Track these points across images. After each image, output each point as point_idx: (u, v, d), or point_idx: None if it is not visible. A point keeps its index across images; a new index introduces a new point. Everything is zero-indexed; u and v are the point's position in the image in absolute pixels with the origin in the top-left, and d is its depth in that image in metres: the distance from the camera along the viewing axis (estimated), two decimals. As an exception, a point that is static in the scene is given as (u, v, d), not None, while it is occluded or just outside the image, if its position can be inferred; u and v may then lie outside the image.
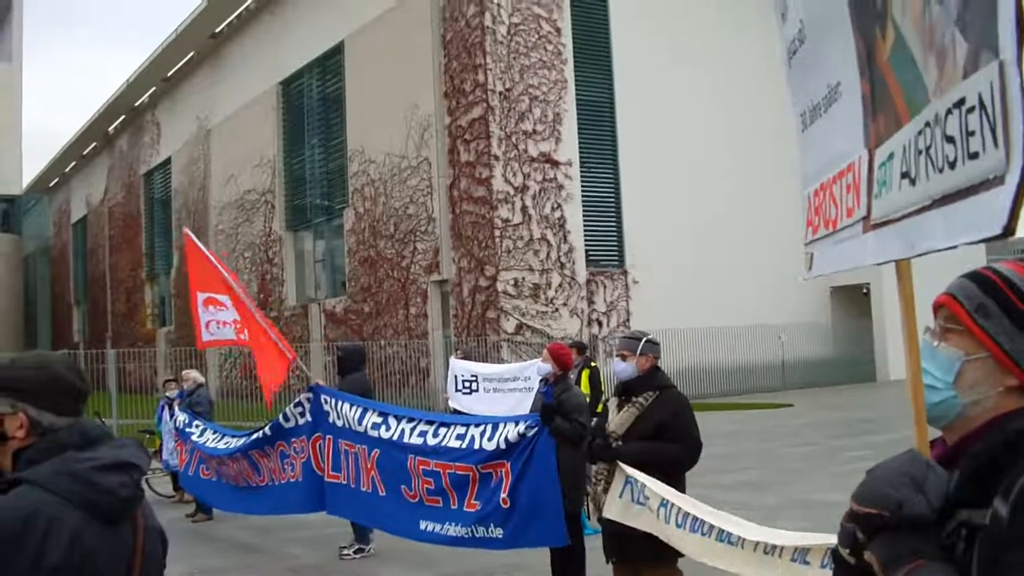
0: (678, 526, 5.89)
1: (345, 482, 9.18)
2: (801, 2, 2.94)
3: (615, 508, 6.43)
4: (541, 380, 9.04)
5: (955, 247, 1.95)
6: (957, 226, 1.91)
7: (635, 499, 6.28)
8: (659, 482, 6.20)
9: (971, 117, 1.85)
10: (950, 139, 1.94)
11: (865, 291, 32.97)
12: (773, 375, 31.83)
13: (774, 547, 5.08)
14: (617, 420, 6.70)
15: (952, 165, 1.93)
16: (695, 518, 5.74)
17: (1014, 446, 2.00)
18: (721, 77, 30.88)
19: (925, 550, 2.00)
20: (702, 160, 30.55)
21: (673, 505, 5.99)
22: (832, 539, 4.56)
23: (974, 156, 1.84)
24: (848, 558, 2.19)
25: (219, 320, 10.33)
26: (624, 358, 6.79)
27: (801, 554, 4.93)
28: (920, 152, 2.08)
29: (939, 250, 2.04)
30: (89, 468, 2.65)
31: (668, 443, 6.49)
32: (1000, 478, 1.95)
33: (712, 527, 5.63)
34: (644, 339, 6.85)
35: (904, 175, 2.17)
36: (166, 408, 16.29)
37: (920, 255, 2.13)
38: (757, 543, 5.17)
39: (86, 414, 2.94)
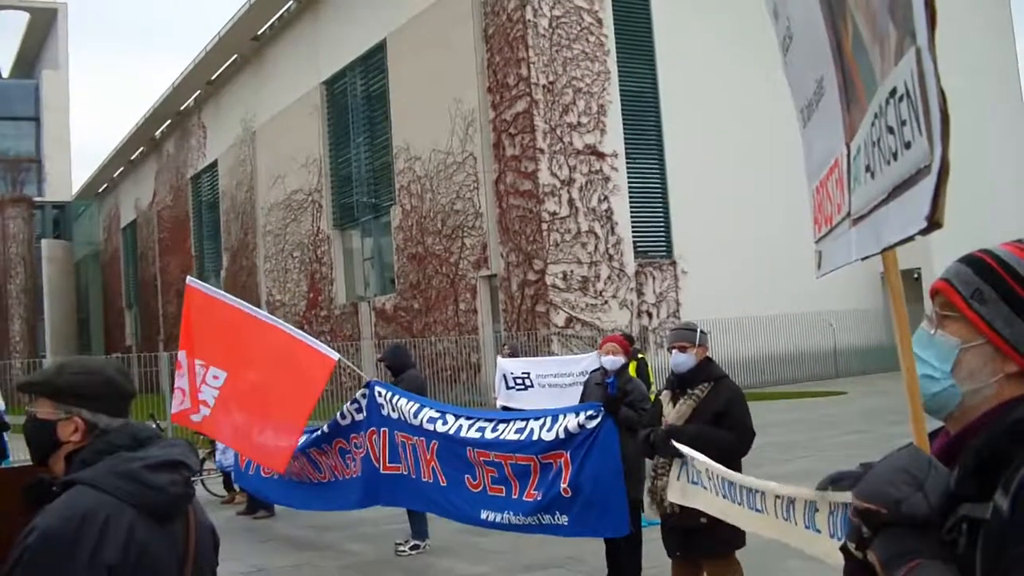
0: (724, 497, 5.91)
1: (405, 472, 9.24)
2: None
3: (675, 491, 6.44)
4: (598, 371, 9.01)
5: (911, 239, 1.92)
6: (907, 218, 1.88)
7: (690, 479, 6.29)
8: (701, 456, 6.21)
9: (902, 106, 1.84)
10: (891, 129, 1.92)
11: (916, 276, 32.63)
12: (825, 363, 31.61)
13: (789, 512, 5.10)
14: (675, 413, 6.71)
15: (895, 156, 1.91)
16: (735, 486, 5.77)
17: (1015, 437, 1.96)
18: (766, 63, 30.46)
19: (924, 549, 1.96)
20: (748, 147, 30.32)
21: (717, 475, 6.01)
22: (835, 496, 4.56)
23: (908, 146, 1.82)
24: (855, 553, 2.18)
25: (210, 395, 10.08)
26: (684, 350, 6.79)
27: (811, 521, 4.94)
28: (874, 144, 2.06)
29: (897, 244, 2.01)
30: (140, 467, 2.73)
31: (723, 431, 6.53)
32: (1001, 471, 1.92)
33: (743, 494, 5.66)
34: (699, 330, 6.87)
35: (867, 168, 2.15)
36: None
37: (887, 249, 2.10)
38: (776, 509, 5.15)
39: (141, 416, 2.99)
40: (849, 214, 2.40)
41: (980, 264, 2.07)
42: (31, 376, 2.98)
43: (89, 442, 2.82)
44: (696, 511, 6.29)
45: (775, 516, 5.16)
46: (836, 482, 2.53)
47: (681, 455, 6.34)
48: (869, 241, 2.21)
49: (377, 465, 9.56)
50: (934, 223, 1.72)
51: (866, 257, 2.29)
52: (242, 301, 10.42)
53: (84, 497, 2.64)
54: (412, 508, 10.42)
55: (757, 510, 5.32)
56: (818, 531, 4.81)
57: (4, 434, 16.07)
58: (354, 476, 9.92)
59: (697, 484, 6.23)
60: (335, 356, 9.94)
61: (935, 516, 2.00)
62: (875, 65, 2.04)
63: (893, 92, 1.88)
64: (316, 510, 11.93)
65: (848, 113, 2.37)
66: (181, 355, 10.29)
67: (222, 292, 10.57)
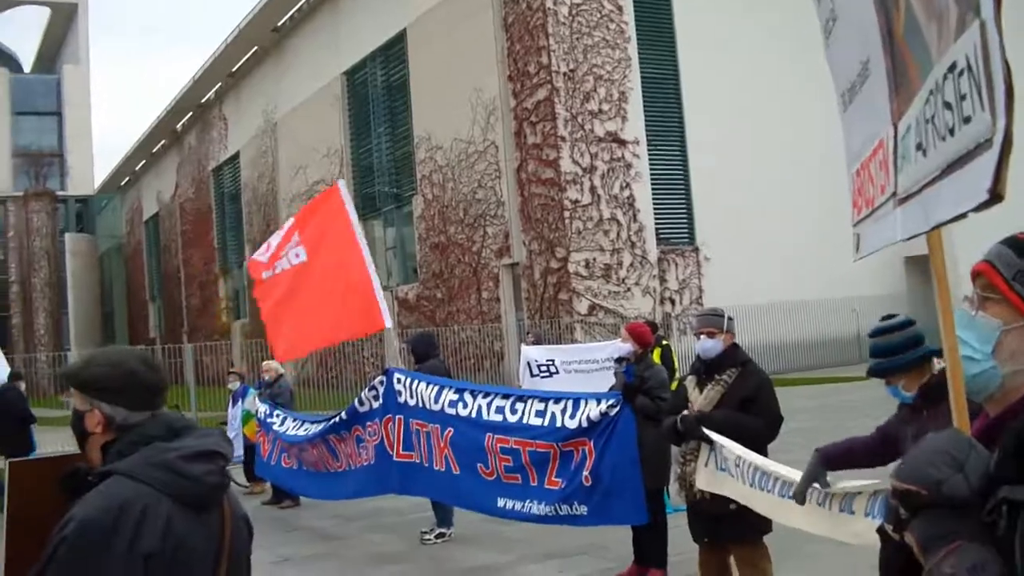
0: (751, 485, 5.92)
1: (418, 460, 9.30)
2: None
3: (703, 477, 6.47)
4: (618, 360, 9.01)
5: (964, 216, 1.90)
6: (961, 194, 1.87)
7: (718, 465, 6.34)
8: (733, 442, 6.21)
9: (962, 81, 1.82)
10: (948, 105, 1.91)
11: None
12: (849, 348, 31.44)
13: (825, 497, 5.10)
14: (702, 399, 6.73)
15: (952, 132, 1.90)
16: (764, 474, 5.77)
17: None
18: (788, 48, 30.45)
19: (964, 531, 1.95)
20: (770, 133, 30.23)
21: (746, 462, 6.02)
22: (879, 484, 4.57)
23: (967, 120, 1.81)
24: (893, 535, 2.16)
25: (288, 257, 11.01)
26: (712, 335, 6.80)
27: (847, 505, 4.95)
28: (927, 121, 2.05)
29: (949, 221, 1.99)
30: (176, 458, 2.76)
31: (751, 417, 6.54)
32: None
33: (775, 483, 5.67)
34: (726, 315, 6.88)
35: (918, 146, 2.14)
36: (231, 400, 16.82)
37: (936, 227, 2.08)
38: (810, 497, 5.18)
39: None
40: (895, 194, 2.39)
41: (1022, 246, 2.04)
42: (66, 367, 3.09)
43: (114, 435, 2.85)
44: (726, 497, 6.30)
45: (808, 502, 5.17)
46: None
47: (711, 441, 6.36)
48: (917, 220, 2.20)
49: (391, 453, 9.63)
50: (996, 195, 1.71)
51: (911, 237, 2.28)
52: (360, 232, 10.95)
53: (121, 487, 2.67)
54: (425, 496, 10.47)
55: (790, 497, 5.33)
56: (852, 512, 4.81)
57: (31, 427, 16.21)
58: (367, 464, 10.03)
59: (725, 471, 6.26)
60: (388, 324, 10.35)
61: (975, 498, 1.98)
62: (931, 43, 2.03)
63: (952, 67, 1.86)
64: (332, 499, 12.13)
65: (896, 94, 2.36)
66: (290, 220, 11.38)
67: (354, 214, 11.06)
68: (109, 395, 2.86)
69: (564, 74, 27.97)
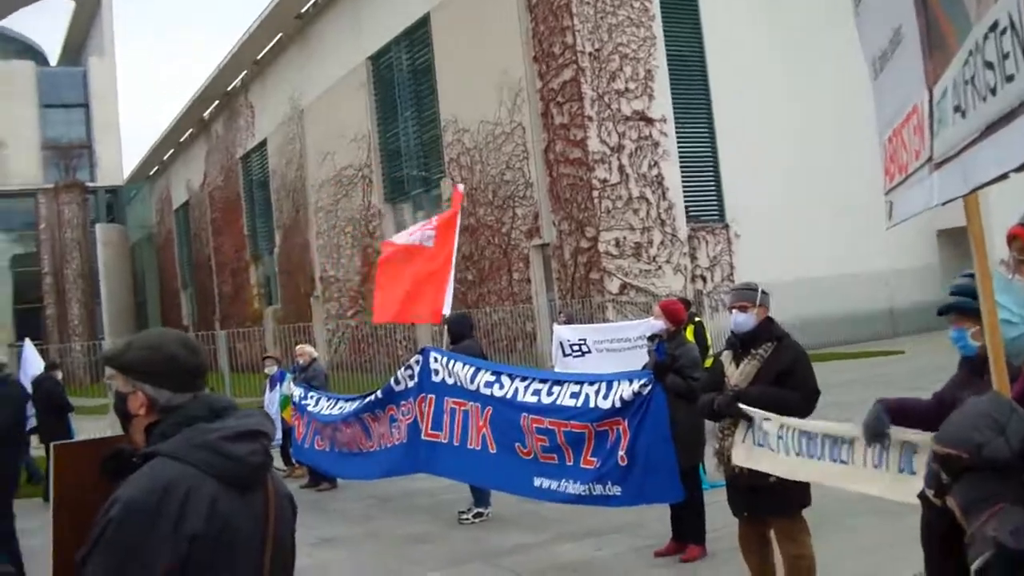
0: (797, 454, 5.90)
1: (446, 441, 9.40)
2: None
3: (740, 453, 6.48)
4: (650, 338, 9.03)
5: (1006, 177, 1.89)
6: (1004, 154, 1.86)
7: (756, 441, 6.34)
8: (773, 414, 6.22)
9: (1004, 39, 1.82)
10: (989, 65, 1.90)
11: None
12: (882, 322, 31.33)
13: (881, 459, 5.07)
14: (739, 374, 6.74)
15: (993, 91, 1.89)
16: (810, 440, 5.74)
17: None
18: (816, 18, 30.25)
19: (1006, 493, 1.95)
20: (798, 107, 30.05)
21: (790, 432, 6.00)
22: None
23: (1010, 79, 1.81)
24: (934, 500, 2.16)
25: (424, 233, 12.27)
26: (744, 309, 6.80)
27: (908, 463, 4.91)
28: (967, 82, 2.04)
29: (990, 182, 1.99)
30: (219, 438, 2.78)
31: (788, 391, 6.52)
32: None
33: (824, 448, 5.64)
34: (760, 290, 6.88)
35: (956, 109, 2.13)
36: (267, 385, 16.90)
37: (976, 189, 2.07)
38: (866, 457, 5.17)
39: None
40: (931, 159, 2.39)
41: None
42: (107, 350, 3.13)
43: (159, 416, 2.88)
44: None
45: (862, 465, 5.14)
46: None
47: (749, 418, 6.37)
48: (955, 183, 2.20)
49: (421, 432, 9.72)
50: None
51: (948, 201, 2.28)
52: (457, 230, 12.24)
53: (165, 468, 2.69)
54: (448, 477, 10.54)
55: (842, 461, 5.30)
56: (913, 472, 4.79)
57: (69, 415, 16.35)
58: (400, 443, 10.12)
59: (763, 446, 6.27)
60: (445, 313, 11.50)
61: (1017, 460, 1.98)
62: (969, 5, 2.03)
63: (994, 26, 1.87)
64: (365, 479, 12.27)
65: (930, 58, 2.36)
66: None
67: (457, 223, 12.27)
68: (151, 377, 2.89)
69: (589, 54, 27.86)
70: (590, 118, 27.51)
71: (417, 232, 12.38)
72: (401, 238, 12.81)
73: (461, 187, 13.07)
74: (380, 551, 10.85)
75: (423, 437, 9.68)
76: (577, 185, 27.76)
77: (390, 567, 10.22)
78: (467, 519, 11.43)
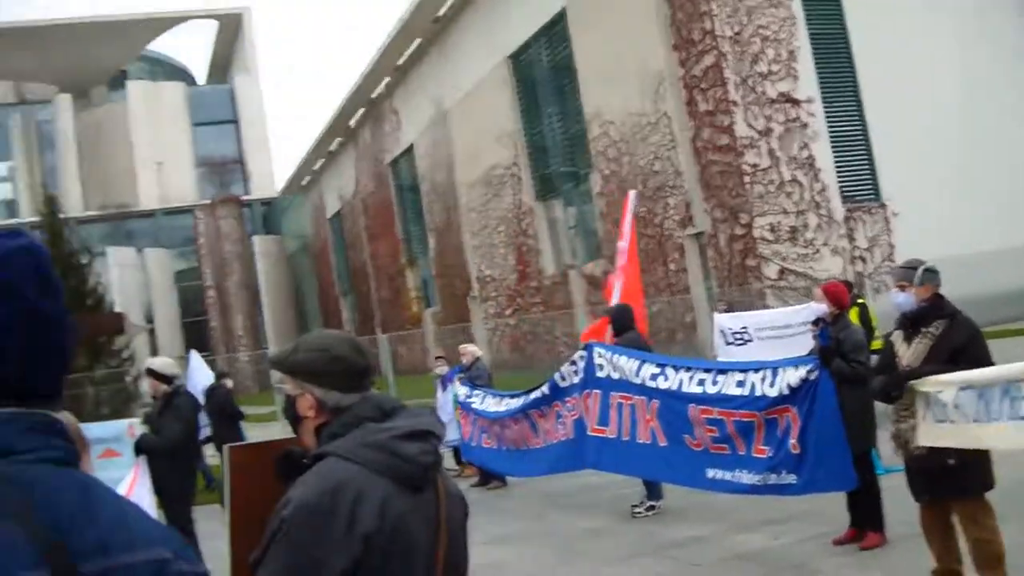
0: (975, 421, 5.81)
1: (614, 436, 9.38)
2: None
3: (923, 432, 6.40)
4: (814, 322, 9.03)
5: None
6: None
7: (936, 418, 6.24)
8: (950, 375, 6.17)
9: None
10: None
11: None
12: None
13: None
14: (911, 353, 6.71)
15: None
16: (989, 401, 5.65)
17: None
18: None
19: None
20: (952, 78, 29.21)
21: (966, 395, 5.92)
22: None
23: None
24: None
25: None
26: (903, 288, 6.78)
27: None
28: None
29: None
30: (389, 438, 2.79)
31: (962, 368, 6.39)
32: None
33: (1003, 407, 5.53)
34: (922, 268, 6.83)
35: None
36: (438, 385, 17.04)
37: None
38: None
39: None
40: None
41: None
42: (274, 354, 3.18)
43: (328, 418, 2.92)
44: (945, 450, 6.27)
45: None
46: None
47: (925, 396, 6.34)
48: None
49: (587, 427, 9.72)
50: None
51: None
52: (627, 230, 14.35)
53: (336, 468, 2.73)
54: (617, 472, 10.56)
55: (1021, 418, 5.20)
56: None
57: (240, 423, 16.92)
58: (566, 439, 10.14)
59: (943, 421, 6.18)
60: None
61: None
62: None
63: None
64: (532, 476, 12.33)
65: None
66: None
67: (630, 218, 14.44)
68: (319, 378, 2.92)
69: (730, 38, 27.54)
70: (735, 103, 27.24)
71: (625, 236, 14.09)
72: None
73: (633, 193, 13.70)
74: (554, 547, 10.91)
75: (590, 433, 9.69)
76: (727, 172, 27.52)
77: (565, 563, 10.26)
78: (640, 512, 11.44)
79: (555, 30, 36.10)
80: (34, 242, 1.79)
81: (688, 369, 8.90)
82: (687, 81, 28.78)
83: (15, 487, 1.62)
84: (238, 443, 4.75)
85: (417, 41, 46.55)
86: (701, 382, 8.60)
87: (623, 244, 14.15)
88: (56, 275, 1.80)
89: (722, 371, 8.68)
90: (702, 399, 8.51)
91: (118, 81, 76.07)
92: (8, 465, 1.65)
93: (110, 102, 75.32)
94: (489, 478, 14.94)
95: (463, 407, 12.77)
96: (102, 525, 1.66)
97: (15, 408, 1.70)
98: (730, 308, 16.95)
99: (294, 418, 3.01)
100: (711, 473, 8.53)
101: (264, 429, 20.48)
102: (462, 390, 13.08)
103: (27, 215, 61.65)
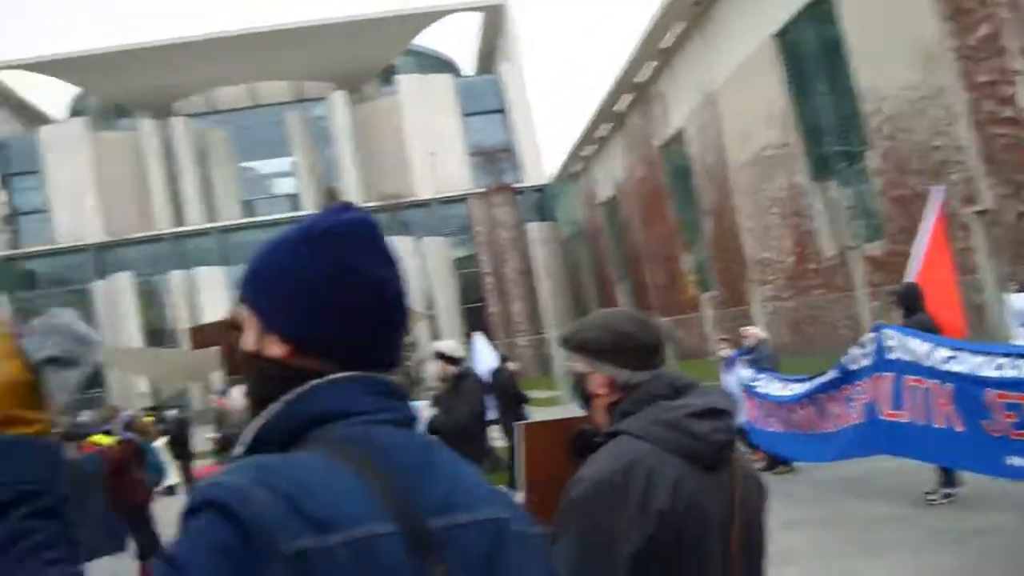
0: None
1: (909, 420, 9.00)
2: None
3: None
4: None
5: None
6: None
7: None
8: None
9: None
10: None
11: None
12: None
13: None
14: None
15: None
16: None
17: None
18: None
19: None
20: None
21: None
22: None
23: None
24: None
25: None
26: None
27: None
28: None
29: None
30: (682, 416, 2.76)
31: None
32: None
33: None
34: None
35: None
36: (723, 368, 16.76)
37: None
38: None
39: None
40: None
41: None
42: (563, 332, 3.13)
43: (620, 395, 2.91)
44: None
45: None
46: None
47: None
48: None
49: (879, 411, 9.41)
50: None
51: None
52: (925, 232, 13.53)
53: (629, 446, 2.72)
54: (914, 458, 9.98)
55: None
56: None
57: (524, 406, 17.06)
58: (857, 423, 9.83)
59: None
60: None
61: None
62: None
63: None
64: (819, 461, 11.93)
65: None
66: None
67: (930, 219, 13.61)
68: (609, 355, 2.91)
69: (1007, 4, 26.31)
70: (1018, 72, 26.14)
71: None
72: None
73: (941, 191, 13.96)
74: (843, 534, 10.71)
75: (882, 417, 9.38)
76: (1013, 145, 26.45)
77: (856, 550, 10.04)
78: (934, 499, 11.15)
79: (820, 6, 35.43)
80: (368, 215, 1.87)
81: (984, 353, 8.41)
82: (962, 52, 27.86)
83: (357, 445, 1.70)
84: (532, 421, 5.12)
85: (680, 25, 46.59)
86: (999, 366, 8.05)
87: (920, 249, 13.46)
88: (393, 245, 1.88)
89: (1021, 355, 8.10)
90: (1000, 383, 7.98)
91: (388, 75, 79.06)
92: (349, 426, 1.74)
93: (382, 96, 78.31)
94: (776, 462, 14.73)
95: (748, 390, 12.72)
96: (444, 484, 1.75)
97: (358, 372, 1.80)
98: (1022, 288, 16.37)
99: (585, 396, 3.03)
100: (1011, 460, 8.00)
101: (546, 413, 20.73)
102: (746, 373, 13.02)
103: (309, 208, 64.53)
